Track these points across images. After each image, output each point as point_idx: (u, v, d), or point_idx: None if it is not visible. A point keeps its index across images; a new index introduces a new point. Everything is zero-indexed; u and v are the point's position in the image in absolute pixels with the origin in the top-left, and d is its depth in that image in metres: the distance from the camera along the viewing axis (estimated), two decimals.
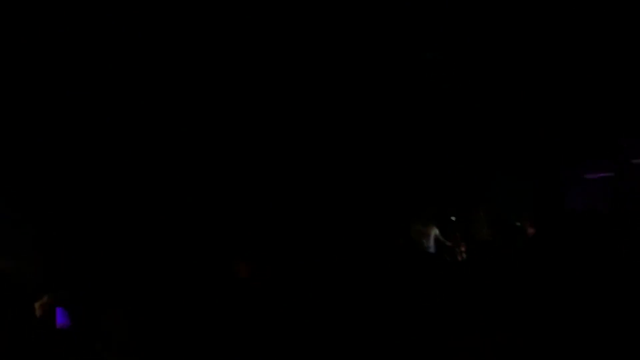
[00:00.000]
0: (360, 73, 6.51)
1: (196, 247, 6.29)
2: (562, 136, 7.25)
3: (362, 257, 5.37)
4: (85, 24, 5.51)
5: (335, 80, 6.49)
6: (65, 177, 6.22)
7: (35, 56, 5.57)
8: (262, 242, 6.09)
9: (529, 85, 6.66)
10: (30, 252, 5.83)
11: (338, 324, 3.74)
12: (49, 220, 6.07)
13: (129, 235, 6.22)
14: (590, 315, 3.17)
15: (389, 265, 4.85)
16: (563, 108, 7.03)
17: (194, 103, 6.47)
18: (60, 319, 4.89)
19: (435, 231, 6.87)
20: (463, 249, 6.53)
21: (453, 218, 7.26)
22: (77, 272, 5.63)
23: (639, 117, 6.93)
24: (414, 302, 3.86)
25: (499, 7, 5.87)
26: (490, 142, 7.54)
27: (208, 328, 3.86)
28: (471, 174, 7.62)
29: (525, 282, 3.71)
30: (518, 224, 6.47)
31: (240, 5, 5.93)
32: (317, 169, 7.24)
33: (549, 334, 3.17)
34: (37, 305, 4.70)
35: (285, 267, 4.98)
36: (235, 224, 6.57)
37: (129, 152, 6.45)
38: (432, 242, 6.78)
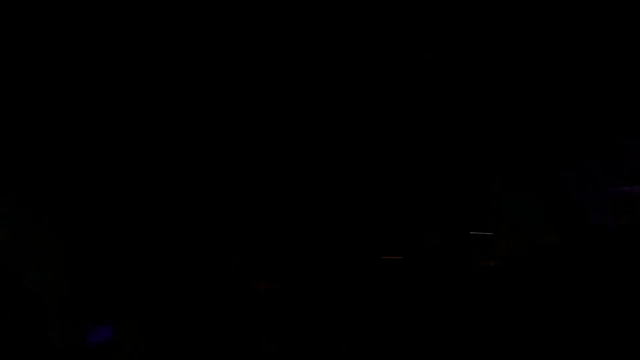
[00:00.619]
0: (359, 73, 6.51)
1: (213, 259, 6.34)
2: (563, 136, 7.22)
3: (364, 259, 5.38)
4: (85, 24, 5.52)
5: (334, 80, 6.50)
6: (89, 188, 6.24)
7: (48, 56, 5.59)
8: (276, 254, 6.15)
9: (529, 86, 6.64)
10: (58, 263, 5.83)
11: (339, 324, 3.74)
12: (75, 231, 6.08)
13: (146, 246, 6.24)
14: (591, 317, 3.18)
15: (390, 267, 4.85)
16: (565, 108, 7.01)
17: (201, 104, 6.48)
18: (101, 334, 4.91)
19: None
20: (488, 264, 6.47)
21: (478, 233, 7.21)
22: (99, 284, 5.63)
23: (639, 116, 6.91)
24: (414, 301, 3.86)
25: (498, 7, 5.86)
26: (498, 148, 7.51)
27: (223, 338, 3.87)
28: (472, 177, 7.60)
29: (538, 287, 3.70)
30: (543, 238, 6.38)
31: (239, 5, 5.94)
32: (319, 171, 7.25)
33: (548, 334, 3.17)
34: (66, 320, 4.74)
35: (293, 271, 5.01)
36: (251, 236, 6.61)
37: (149, 166, 6.47)
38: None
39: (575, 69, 6.49)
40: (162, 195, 6.61)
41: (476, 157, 7.59)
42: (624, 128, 7.17)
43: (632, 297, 3.23)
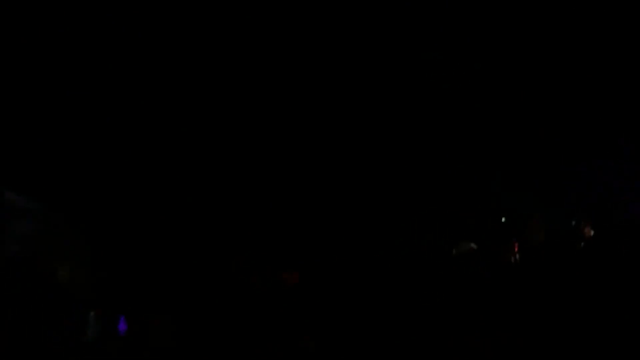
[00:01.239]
0: (359, 73, 6.53)
1: (242, 255, 6.44)
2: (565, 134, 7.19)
3: (364, 258, 5.39)
4: (85, 24, 5.53)
5: (335, 80, 6.51)
6: (119, 186, 6.27)
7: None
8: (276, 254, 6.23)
9: (532, 85, 6.63)
10: (88, 259, 5.85)
11: (339, 324, 3.75)
12: (105, 227, 6.11)
13: (176, 242, 6.28)
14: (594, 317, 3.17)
15: (390, 266, 4.86)
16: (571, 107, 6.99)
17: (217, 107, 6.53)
18: (121, 325, 4.97)
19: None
20: (515, 250, 6.35)
21: (503, 219, 7.10)
22: (127, 279, 5.67)
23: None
24: (415, 301, 3.87)
25: (498, 7, 5.87)
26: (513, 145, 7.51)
27: (254, 333, 3.89)
28: (476, 176, 7.59)
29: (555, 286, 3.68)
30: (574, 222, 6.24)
31: (241, 5, 5.95)
32: (320, 172, 7.30)
33: (549, 334, 3.17)
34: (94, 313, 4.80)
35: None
36: (252, 236, 6.68)
37: (177, 165, 6.54)
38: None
39: (574, 69, 6.48)
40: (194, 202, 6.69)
41: (481, 156, 7.57)
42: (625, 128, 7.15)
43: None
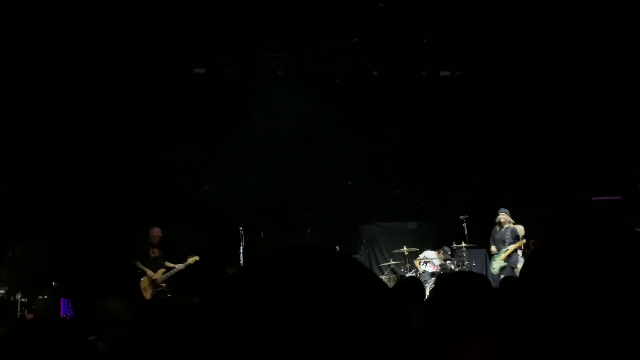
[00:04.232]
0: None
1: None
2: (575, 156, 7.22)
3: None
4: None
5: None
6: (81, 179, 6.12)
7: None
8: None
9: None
10: (45, 241, 5.66)
11: None
12: (68, 214, 5.90)
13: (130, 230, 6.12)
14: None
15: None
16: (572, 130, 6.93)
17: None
18: (64, 309, 4.85)
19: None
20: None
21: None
22: (83, 263, 5.48)
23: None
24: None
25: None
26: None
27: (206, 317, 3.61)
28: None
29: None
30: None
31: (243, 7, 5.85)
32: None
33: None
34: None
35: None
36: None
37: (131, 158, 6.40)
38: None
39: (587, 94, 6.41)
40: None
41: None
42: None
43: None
